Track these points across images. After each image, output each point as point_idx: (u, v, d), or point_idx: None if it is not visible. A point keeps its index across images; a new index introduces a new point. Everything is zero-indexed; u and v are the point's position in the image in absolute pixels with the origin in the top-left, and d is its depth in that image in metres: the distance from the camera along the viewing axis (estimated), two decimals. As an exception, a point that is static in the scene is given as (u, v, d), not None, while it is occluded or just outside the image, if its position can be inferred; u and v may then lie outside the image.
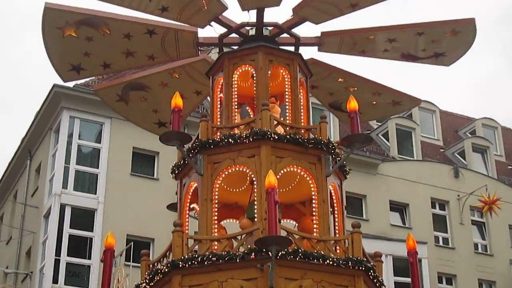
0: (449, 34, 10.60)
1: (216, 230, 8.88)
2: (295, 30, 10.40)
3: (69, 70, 10.54)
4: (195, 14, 9.83)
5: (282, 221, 9.45)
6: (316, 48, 10.65)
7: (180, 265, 8.28)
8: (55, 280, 25.20)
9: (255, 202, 8.76)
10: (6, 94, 73.51)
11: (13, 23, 75.54)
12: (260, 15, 10.04)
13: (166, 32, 10.18)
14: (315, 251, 8.32)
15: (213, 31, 10.34)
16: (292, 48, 10.40)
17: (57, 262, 25.46)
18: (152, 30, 10.10)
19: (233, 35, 10.42)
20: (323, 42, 10.48)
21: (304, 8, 9.97)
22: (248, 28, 10.26)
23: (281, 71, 9.97)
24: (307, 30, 10.72)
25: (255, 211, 8.83)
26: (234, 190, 9.58)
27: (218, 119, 9.94)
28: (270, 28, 10.23)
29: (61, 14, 9.95)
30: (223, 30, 10.32)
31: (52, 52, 10.36)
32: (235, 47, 10.44)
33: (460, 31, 10.57)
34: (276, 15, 10.36)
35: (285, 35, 10.40)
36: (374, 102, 11.31)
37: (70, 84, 10.88)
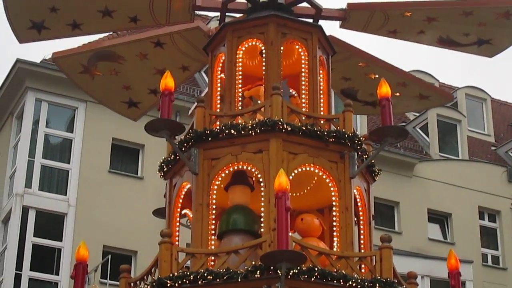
0: (500, 17, 10.61)
1: (213, 242, 8.87)
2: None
3: (29, 28, 10.51)
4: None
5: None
6: (337, 23, 10.70)
7: (168, 285, 8.26)
8: (15, 300, 25.31)
9: (262, 209, 8.76)
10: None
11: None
12: None
13: None
14: (335, 270, 8.30)
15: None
16: (310, 21, 10.39)
17: (17, 278, 25.56)
18: None
19: (241, 0, 10.43)
20: (349, 16, 10.52)
21: None
22: None
23: (297, 47, 9.96)
24: (329, 0, 10.79)
25: (255, 219, 8.90)
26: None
27: (218, 106, 9.93)
28: None
29: None
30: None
31: (10, 3, 10.31)
32: (239, 15, 10.44)
33: None
34: None
35: (303, 4, 10.41)
36: (398, 94, 11.36)
37: (37, 59, 10.88)
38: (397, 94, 11.31)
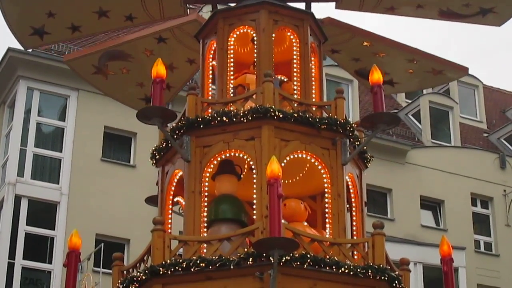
0: None
1: (205, 229, 8.88)
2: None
3: (31, 34, 10.64)
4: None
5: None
6: (333, 5, 10.61)
7: (161, 272, 8.28)
8: (8, 289, 25.32)
9: (254, 196, 8.77)
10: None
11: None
12: None
13: None
14: (328, 256, 8.32)
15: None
16: (302, 5, 10.36)
17: (10, 266, 25.53)
18: None
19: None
20: None
21: None
22: None
23: (289, 34, 9.98)
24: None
25: (242, 209, 8.98)
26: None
27: (210, 93, 9.92)
28: None
29: None
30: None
31: (8, 12, 10.43)
32: (232, 5, 10.42)
33: None
34: None
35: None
36: (411, 71, 11.34)
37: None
38: (410, 71, 11.33)
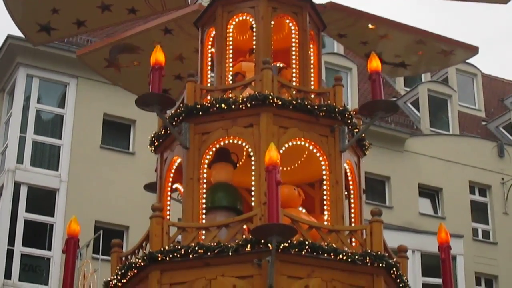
0: None
1: (205, 216, 8.89)
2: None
3: (38, 31, 10.72)
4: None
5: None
6: None
7: (159, 258, 8.29)
8: (7, 275, 25.34)
9: (253, 183, 8.77)
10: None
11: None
12: None
13: None
14: (326, 243, 8.32)
15: None
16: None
17: (10, 253, 25.57)
18: None
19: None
20: None
21: None
22: None
23: (287, 21, 9.96)
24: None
25: (237, 197, 9.01)
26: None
27: (209, 80, 9.92)
28: None
29: None
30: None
31: (14, 10, 10.52)
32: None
33: None
34: None
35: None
36: (420, 53, 11.29)
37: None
38: (420, 52, 11.29)
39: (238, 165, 9.42)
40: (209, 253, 8.20)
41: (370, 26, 10.88)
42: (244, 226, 8.54)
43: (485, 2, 10.90)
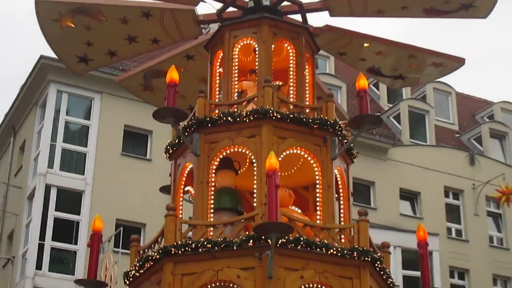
0: None
1: (212, 215, 8.88)
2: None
3: (78, 62, 10.79)
4: None
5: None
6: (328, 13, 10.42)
7: (173, 252, 8.27)
8: (38, 266, 25.30)
9: (255, 186, 8.75)
10: (-11, 66, 73.50)
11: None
12: None
13: (162, 13, 10.28)
14: (318, 239, 8.31)
15: (212, 7, 10.38)
16: (298, 16, 10.31)
17: (41, 247, 25.54)
18: (148, 12, 10.22)
19: (232, 9, 10.39)
20: (331, 5, 10.19)
21: None
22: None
23: (286, 45, 9.92)
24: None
25: (239, 200, 9.02)
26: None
27: (217, 96, 9.91)
28: None
29: (53, 5, 10.18)
30: (220, 5, 10.30)
31: (55, 46, 10.59)
32: (239, 9, 10.37)
33: None
34: None
35: (287, 2, 10.31)
36: (414, 65, 11.07)
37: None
38: (414, 66, 11.07)
39: (240, 171, 9.38)
40: (216, 248, 8.17)
41: (365, 44, 10.74)
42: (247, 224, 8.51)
43: (464, 18, 10.46)
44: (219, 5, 10.32)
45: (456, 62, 11.22)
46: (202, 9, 10.38)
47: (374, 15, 10.24)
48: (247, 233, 8.24)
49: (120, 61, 11.19)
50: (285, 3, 10.26)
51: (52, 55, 11.32)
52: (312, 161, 9.05)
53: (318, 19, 10.35)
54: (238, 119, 8.93)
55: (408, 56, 10.90)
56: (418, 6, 10.15)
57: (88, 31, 10.36)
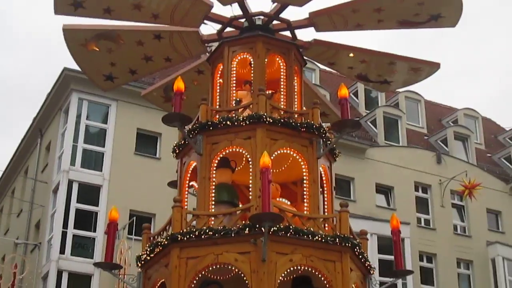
0: None
1: (213, 206, 8.87)
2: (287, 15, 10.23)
3: (105, 80, 10.83)
4: (185, 17, 9.83)
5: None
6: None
7: (179, 238, 8.26)
8: (62, 251, 25.27)
9: (250, 181, 8.73)
10: (20, 76, 73.46)
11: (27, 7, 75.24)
12: (243, 7, 9.93)
13: (171, 35, 10.28)
14: (305, 228, 8.30)
15: (213, 28, 10.35)
16: (288, 32, 10.27)
17: (64, 234, 25.51)
18: (159, 35, 10.25)
19: (230, 28, 10.34)
20: (315, 22, 10.05)
21: None
22: (242, 20, 10.20)
23: (277, 59, 9.92)
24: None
25: (235, 194, 9.03)
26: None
27: (217, 103, 9.90)
28: (261, 17, 10.10)
29: (78, 32, 10.24)
30: (219, 26, 10.28)
31: (84, 66, 10.71)
32: (236, 28, 10.33)
33: None
34: (261, 2, 10.20)
35: (277, 21, 10.25)
36: (395, 71, 10.87)
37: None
38: (394, 71, 10.88)
39: (237, 169, 9.36)
40: (216, 235, 8.18)
41: (350, 54, 10.62)
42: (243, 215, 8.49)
43: (436, 27, 10.18)
44: (219, 26, 10.28)
45: (432, 67, 11.02)
46: (205, 30, 10.38)
47: (354, 29, 10.07)
48: (243, 222, 8.23)
49: (140, 78, 11.13)
50: (275, 21, 10.22)
51: (74, 67, 11.31)
52: (300, 160, 9.04)
53: (309, 34, 10.30)
54: (235, 123, 8.93)
55: (388, 63, 10.78)
56: (393, 19, 9.97)
57: (110, 53, 10.39)
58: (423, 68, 10.93)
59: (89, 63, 10.61)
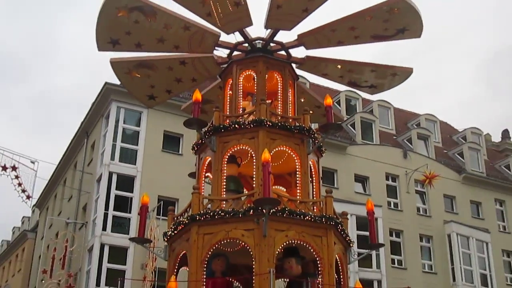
0: (392, 12, 9.20)
1: (224, 193, 8.86)
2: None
3: (148, 99, 10.72)
4: (200, 45, 9.73)
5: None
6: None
7: (197, 218, 8.29)
8: (104, 228, 25.29)
9: (254, 173, 8.72)
10: (71, 88, 73.48)
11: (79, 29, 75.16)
12: (243, 34, 9.83)
13: (193, 60, 10.23)
14: (298, 209, 8.32)
15: (223, 52, 10.17)
16: (284, 52, 10.13)
17: (105, 215, 25.51)
18: (183, 61, 10.20)
19: (237, 52, 10.21)
20: (304, 41, 9.83)
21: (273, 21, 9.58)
22: (245, 44, 10.06)
23: (275, 75, 9.92)
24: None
25: (240, 185, 9.02)
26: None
27: (228, 110, 9.90)
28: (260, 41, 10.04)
29: (122, 63, 10.21)
30: (227, 50, 10.14)
31: (130, 89, 10.57)
32: (241, 52, 10.25)
33: (395, 6, 9.18)
34: (258, 28, 10.11)
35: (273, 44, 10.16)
36: (378, 78, 10.61)
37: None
38: (377, 78, 10.56)
39: (242, 163, 9.33)
40: (227, 215, 8.19)
41: (338, 66, 10.43)
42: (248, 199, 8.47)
43: (404, 39, 9.64)
44: (228, 51, 10.21)
45: (406, 72, 10.71)
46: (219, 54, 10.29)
47: (337, 45, 9.80)
48: (248, 205, 8.23)
49: (175, 95, 10.99)
50: (272, 44, 10.16)
51: (114, 81, 11.21)
52: (293, 155, 9.03)
53: (302, 52, 10.11)
54: (242, 126, 8.93)
55: (370, 71, 10.55)
56: (366, 34, 9.67)
57: (149, 78, 10.34)
58: (400, 73, 10.62)
59: (134, 86, 10.55)
